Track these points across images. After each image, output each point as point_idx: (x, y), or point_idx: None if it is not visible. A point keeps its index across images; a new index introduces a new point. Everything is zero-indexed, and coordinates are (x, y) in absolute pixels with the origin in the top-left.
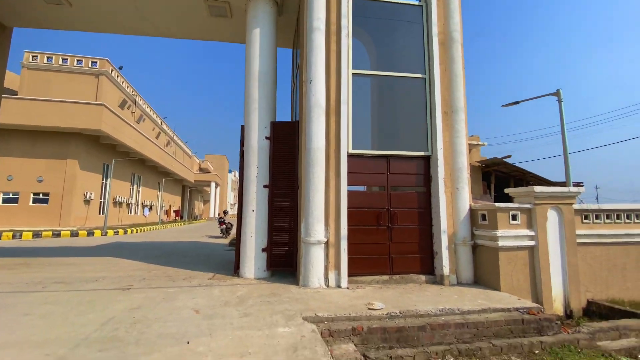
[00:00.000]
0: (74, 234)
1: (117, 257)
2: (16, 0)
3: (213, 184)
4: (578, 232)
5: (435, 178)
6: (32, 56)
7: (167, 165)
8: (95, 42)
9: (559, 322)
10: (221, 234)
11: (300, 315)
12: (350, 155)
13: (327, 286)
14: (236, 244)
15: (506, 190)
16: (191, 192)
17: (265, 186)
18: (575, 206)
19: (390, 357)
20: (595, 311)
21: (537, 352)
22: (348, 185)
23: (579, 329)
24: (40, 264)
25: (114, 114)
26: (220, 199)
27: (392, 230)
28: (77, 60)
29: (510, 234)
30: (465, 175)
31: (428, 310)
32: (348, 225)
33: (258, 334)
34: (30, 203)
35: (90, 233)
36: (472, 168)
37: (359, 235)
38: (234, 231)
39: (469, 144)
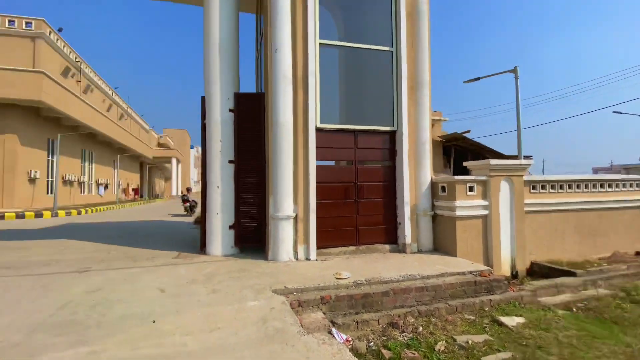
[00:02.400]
0: (20, 216)
1: (72, 239)
2: None
3: (174, 160)
4: (526, 201)
5: (400, 152)
6: None
7: (121, 140)
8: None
9: (506, 282)
10: (185, 212)
11: (269, 288)
12: (318, 130)
13: (297, 259)
14: (201, 221)
15: (465, 164)
16: (150, 169)
17: (230, 161)
18: (525, 178)
19: (357, 322)
20: (537, 271)
21: (487, 309)
22: (317, 160)
23: (523, 287)
24: None
25: (55, 83)
26: (182, 176)
27: (359, 203)
28: (9, 21)
29: (467, 204)
30: (427, 150)
31: (391, 276)
32: (317, 200)
33: (227, 309)
34: None
35: (38, 215)
36: (434, 143)
37: (328, 209)
38: (199, 209)
39: (432, 119)
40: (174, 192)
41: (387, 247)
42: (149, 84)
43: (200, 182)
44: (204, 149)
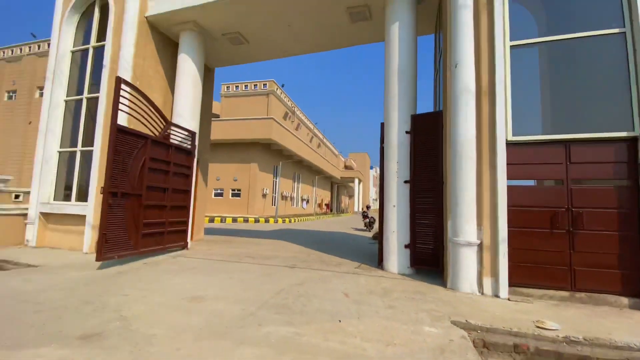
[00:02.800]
0: (257, 221)
1: (285, 241)
2: (216, 48)
3: (356, 180)
4: None
5: None
6: (226, 87)
7: (319, 164)
8: (261, 67)
9: None
10: (365, 227)
11: (448, 318)
12: (510, 144)
13: (482, 293)
14: (379, 238)
15: None
16: (338, 187)
17: (406, 182)
18: None
19: None
20: None
21: None
22: (508, 179)
23: None
24: (237, 242)
25: (279, 125)
26: (363, 194)
27: (574, 235)
28: (254, 85)
29: None
30: None
31: (630, 342)
32: (509, 227)
33: (403, 328)
34: (230, 197)
35: (266, 220)
36: None
37: (526, 239)
38: (376, 225)
39: None
40: (355, 209)
41: (624, 300)
42: (338, 116)
43: (378, 200)
44: (381, 170)
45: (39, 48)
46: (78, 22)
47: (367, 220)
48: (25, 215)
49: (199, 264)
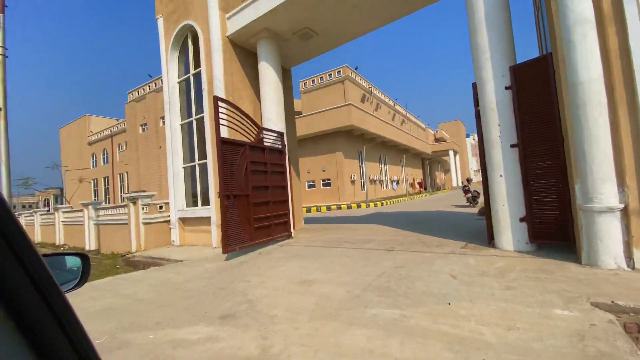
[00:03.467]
0: (349, 207)
1: (379, 224)
2: (290, 48)
3: (451, 153)
4: None
5: None
6: (304, 84)
7: (404, 142)
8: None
9: None
10: (467, 203)
11: (586, 299)
12: None
13: (632, 268)
14: (485, 212)
15: None
16: (430, 163)
17: (512, 145)
18: None
19: None
20: None
21: None
22: None
23: None
24: (334, 229)
25: (358, 109)
26: (461, 167)
27: None
28: (329, 75)
29: None
30: None
31: None
32: None
33: (527, 310)
34: (321, 187)
35: (358, 205)
36: None
37: None
38: (481, 199)
39: None
40: (454, 184)
41: None
42: (421, 85)
43: (479, 171)
44: (480, 137)
45: (155, 85)
46: (178, 57)
47: (470, 194)
48: (168, 221)
49: (303, 251)
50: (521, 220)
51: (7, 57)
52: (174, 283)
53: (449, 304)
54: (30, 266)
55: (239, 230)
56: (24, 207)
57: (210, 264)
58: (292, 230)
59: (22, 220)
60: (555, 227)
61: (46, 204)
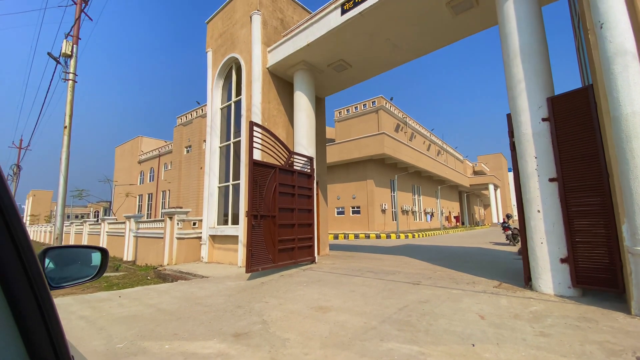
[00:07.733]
0: (378, 237)
1: (407, 257)
2: (324, 79)
3: (491, 186)
4: None
5: None
6: (338, 112)
7: (440, 173)
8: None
9: None
10: (507, 241)
11: (632, 353)
12: None
13: None
14: (522, 250)
15: None
16: (469, 196)
17: (551, 179)
18: None
19: None
20: None
21: None
22: None
23: None
24: (359, 257)
25: (391, 138)
26: (502, 202)
27: None
28: (363, 105)
29: None
30: None
31: None
32: None
33: None
34: (350, 214)
35: (388, 236)
36: None
37: None
38: None
39: None
40: (494, 219)
41: None
42: (458, 118)
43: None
44: (515, 170)
45: (202, 111)
46: (222, 86)
47: (510, 232)
48: (199, 237)
49: (325, 277)
50: (562, 261)
51: (76, 82)
52: (196, 297)
53: (473, 345)
54: (27, 263)
55: (264, 251)
56: (76, 217)
57: (233, 282)
58: (316, 255)
59: (72, 229)
60: (602, 271)
61: (96, 215)
